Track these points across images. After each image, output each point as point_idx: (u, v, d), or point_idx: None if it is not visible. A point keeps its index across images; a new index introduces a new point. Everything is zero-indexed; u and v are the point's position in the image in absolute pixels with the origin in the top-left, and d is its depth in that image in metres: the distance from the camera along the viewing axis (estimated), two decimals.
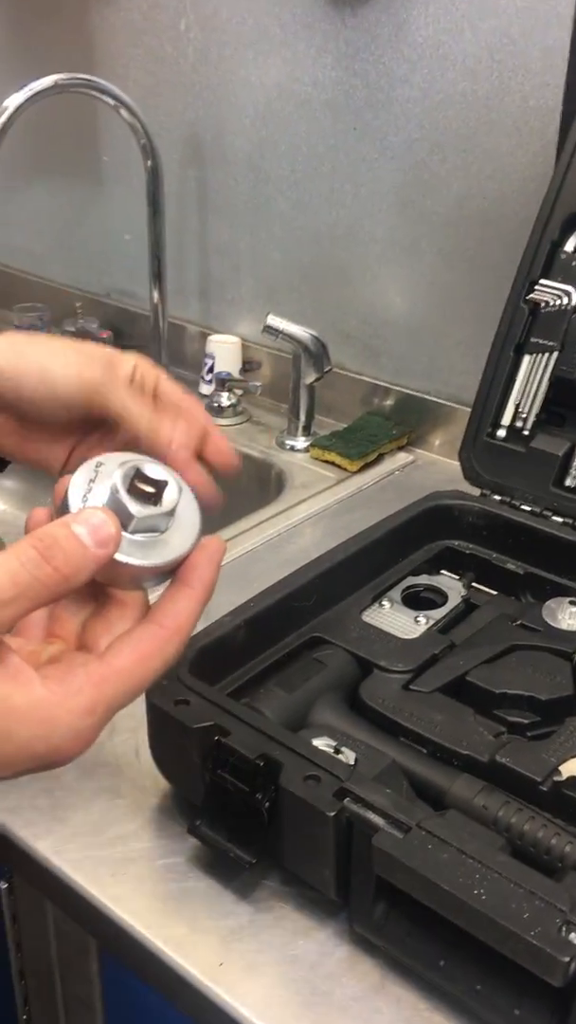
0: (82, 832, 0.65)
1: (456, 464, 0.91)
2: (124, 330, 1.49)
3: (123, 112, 1.20)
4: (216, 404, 1.29)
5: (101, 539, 0.37)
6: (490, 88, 1.03)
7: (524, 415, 0.87)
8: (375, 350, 1.23)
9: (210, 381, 1.32)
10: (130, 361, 0.50)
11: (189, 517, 0.43)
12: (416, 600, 0.81)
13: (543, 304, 0.85)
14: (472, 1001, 0.52)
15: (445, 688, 0.70)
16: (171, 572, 0.42)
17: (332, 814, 0.54)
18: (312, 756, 0.57)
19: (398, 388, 1.22)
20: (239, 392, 1.30)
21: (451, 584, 0.82)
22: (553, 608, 0.77)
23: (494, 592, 0.83)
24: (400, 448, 1.21)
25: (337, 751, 0.62)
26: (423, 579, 0.82)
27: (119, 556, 0.39)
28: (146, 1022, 0.70)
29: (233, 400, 1.29)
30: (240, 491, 1.19)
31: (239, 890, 0.61)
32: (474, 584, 0.83)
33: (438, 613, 0.78)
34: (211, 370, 1.33)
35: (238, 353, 1.34)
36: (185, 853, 0.63)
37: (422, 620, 0.77)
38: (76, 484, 0.40)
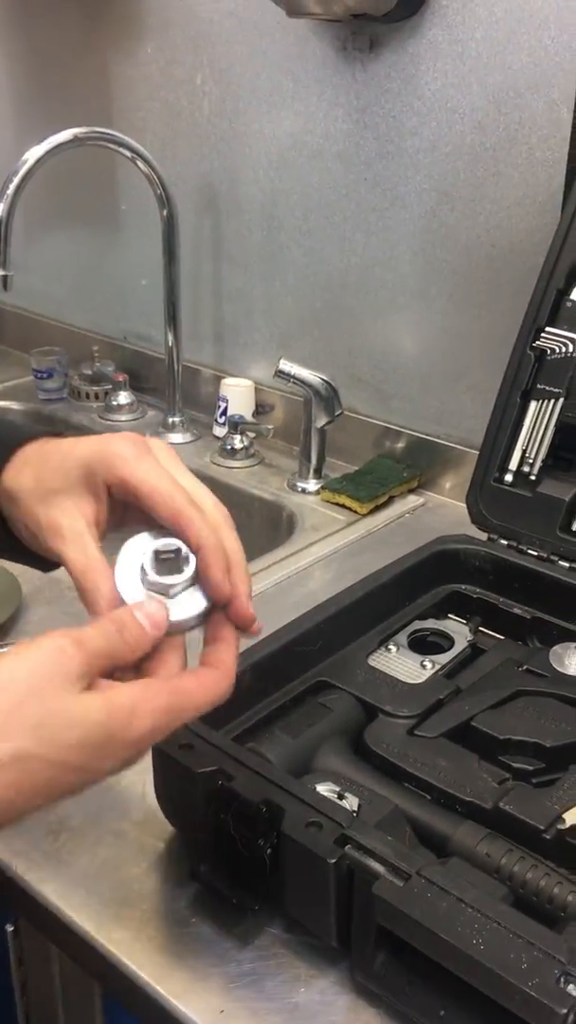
0: (87, 875, 0.65)
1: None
2: (140, 373, 1.52)
3: (140, 163, 1.24)
4: (229, 446, 1.30)
5: (156, 623, 0.50)
6: (497, 140, 1.05)
7: (531, 460, 0.88)
8: (386, 394, 1.25)
9: (223, 423, 1.34)
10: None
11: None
12: (422, 644, 0.81)
13: (549, 351, 0.87)
14: None
15: (450, 733, 0.70)
16: (208, 614, 0.52)
17: (333, 861, 0.54)
18: (314, 802, 0.58)
19: (409, 431, 1.23)
20: (252, 435, 1.32)
21: (458, 628, 0.82)
22: (560, 653, 0.77)
23: (501, 636, 0.83)
24: (411, 491, 1.21)
25: (340, 797, 0.62)
26: (430, 623, 0.83)
27: (171, 618, 0.51)
28: None
29: (246, 442, 1.31)
30: (252, 533, 1.20)
31: (242, 936, 0.61)
32: (481, 628, 0.84)
33: (444, 658, 0.79)
34: (224, 413, 1.35)
35: (251, 396, 1.35)
36: (188, 898, 0.63)
37: (428, 665, 0.77)
38: (121, 577, 0.51)
